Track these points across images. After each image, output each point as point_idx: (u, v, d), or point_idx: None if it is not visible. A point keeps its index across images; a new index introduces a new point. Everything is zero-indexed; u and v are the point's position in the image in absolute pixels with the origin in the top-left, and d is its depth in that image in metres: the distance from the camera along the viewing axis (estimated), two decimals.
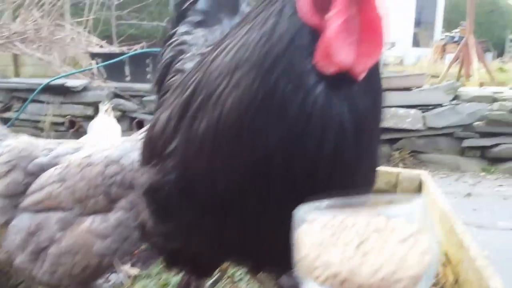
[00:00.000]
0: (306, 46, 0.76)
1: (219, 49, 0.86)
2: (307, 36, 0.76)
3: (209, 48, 0.97)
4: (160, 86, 1.48)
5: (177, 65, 1.40)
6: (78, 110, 5.68)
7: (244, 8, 1.64)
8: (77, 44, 6.42)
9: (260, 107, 0.75)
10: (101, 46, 6.78)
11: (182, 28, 1.54)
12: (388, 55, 13.08)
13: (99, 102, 5.37)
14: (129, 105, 5.50)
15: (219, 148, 0.80)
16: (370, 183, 0.93)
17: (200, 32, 1.48)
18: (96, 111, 4.53)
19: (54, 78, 5.58)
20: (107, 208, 1.59)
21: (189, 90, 0.87)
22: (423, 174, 2.51)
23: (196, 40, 1.45)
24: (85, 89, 5.71)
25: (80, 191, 1.57)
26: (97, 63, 5.78)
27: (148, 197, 0.96)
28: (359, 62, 0.75)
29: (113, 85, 5.63)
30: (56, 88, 5.54)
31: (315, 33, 0.76)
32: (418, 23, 17.45)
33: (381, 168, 2.72)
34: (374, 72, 0.82)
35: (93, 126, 3.59)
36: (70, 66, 6.44)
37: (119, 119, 5.54)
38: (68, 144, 1.77)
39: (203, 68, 0.87)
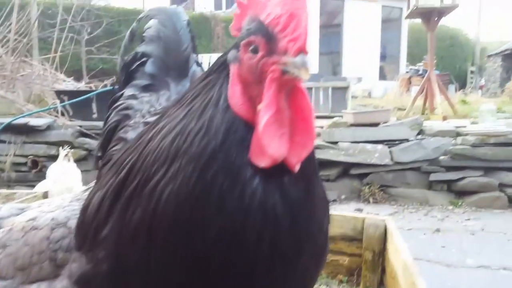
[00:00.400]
0: (241, 140, 0.76)
1: (156, 129, 0.84)
2: (242, 129, 0.77)
3: (151, 119, 0.95)
4: (104, 152, 1.43)
5: (120, 132, 1.36)
6: (41, 149, 5.52)
7: (194, 70, 1.61)
8: (43, 81, 6.27)
9: (197, 202, 0.74)
10: (65, 81, 6.65)
11: (129, 91, 1.50)
12: (356, 89, 13.43)
13: (64, 141, 5.25)
14: (95, 144, 5.37)
15: (153, 242, 0.76)
16: (316, 269, 0.91)
17: (146, 97, 1.44)
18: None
19: (17, 117, 5.42)
20: (53, 274, 1.42)
21: (123, 172, 0.84)
22: (388, 219, 2.49)
23: (141, 106, 1.40)
24: (49, 128, 5.57)
25: (23, 258, 1.43)
26: (63, 101, 5.65)
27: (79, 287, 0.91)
28: (292, 153, 0.76)
29: (78, 123, 5.50)
30: (18, 127, 5.39)
31: (250, 126, 0.77)
32: (383, 57, 18.10)
33: (347, 214, 2.69)
34: (308, 158, 0.81)
35: (52, 172, 3.47)
36: (35, 103, 6.27)
37: (84, 159, 5.40)
38: (12, 205, 1.66)
39: (139, 149, 0.84)
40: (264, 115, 0.74)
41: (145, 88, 1.48)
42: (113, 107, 1.50)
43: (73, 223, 1.57)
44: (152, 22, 1.60)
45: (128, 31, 1.66)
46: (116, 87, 1.62)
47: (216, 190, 0.74)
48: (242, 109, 0.77)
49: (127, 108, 1.42)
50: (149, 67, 1.52)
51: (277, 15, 0.75)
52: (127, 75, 1.55)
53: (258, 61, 0.76)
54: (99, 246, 0.85)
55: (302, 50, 0.72)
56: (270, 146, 0.73)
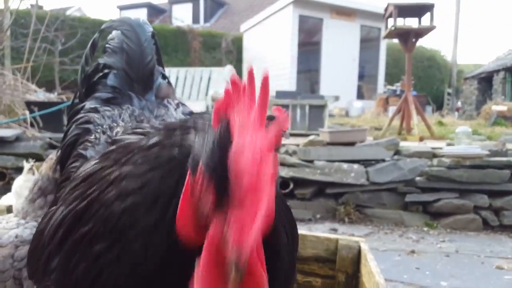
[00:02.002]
0: (180, 273, 0.72)
1: (117, 175, 0.81)
2: (182, 259, 0.71)
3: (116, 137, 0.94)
4: (63, 168, 1.35)
5: (79, 147, 1.27)
6: (9, 161, 5.34)
7: (160, 82, 1.54)
8: (13, 91, 6.08)
9: None
10: (36, 91, 6.47)
11: (90, 104, 1.43)
12: (334, 107, 13.53)
13: (32, 153, 5.06)
14: None
15: None
16: None
17: (108, 111, 1.36)
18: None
19: None
20: None
21: (81, 206, 0.82)
22: (362, 241, 2.45)
23: (103, 121, 1.33)
24: (17, 139, 5.39)
25: None
26: (33, 112, 5.47)
27: None
28: None
29: (48, 135, 5.32)
30: None
31: (192, 256, 0.70)
32: (361, 77, 18.36)
33: (321, 234, 2.63)
34: None
35: (16, 185, 3.31)
36: (4, 114, 6.06)
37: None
38: None
39: (99, 187, 0.82)
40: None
41: (107, 101, 1.42)
42: (73, 120, 1.41)
43: None
44: (115, 33, 1.54)
45: (90, 42, 1.58)
46: (76, 100, 1.53)
47: None
48: (189, 235, 0.69)
49: (88, 122, 1.35)
50: (111, 79, 1.46)
51: (244, 169, 0.62)
52: (89, 87, 1.49)
53: (208, 203, 0.66)
54: (49, 277, 0.84)
55: (241, 247, 0.60)
56: None
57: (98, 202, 0.79)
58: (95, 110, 1.38)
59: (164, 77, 1.59)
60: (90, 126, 1.32)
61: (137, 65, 1.49)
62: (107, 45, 1.54)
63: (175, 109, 1.40)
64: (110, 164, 0.86)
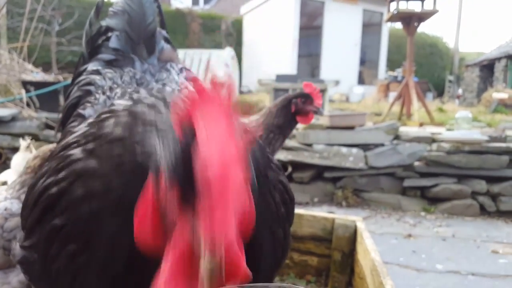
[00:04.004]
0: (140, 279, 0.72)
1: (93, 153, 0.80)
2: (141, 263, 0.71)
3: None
4: (63, 128, 1.37)
5: (79, 108, 1.28)
6: (5, 141, 5.32)
7: (162, 46, 1.57)
8: (9, 71, 6.02)
9: None
10: (33, 71, 6.40)
11: (92, 66, 1.46)
12: (334, 93, 13.46)
13: (29, 133, 5.03)
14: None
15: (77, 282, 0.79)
16: None
17: (110, 73, 1.38)
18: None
19: None
20: (7, 265, 1.52)
21: (56, 189, 0.81)
22: (359, 220, 2.44)
23: (104, 82, 1.35)
24: (14, 119, 5.37)
25: None
26: (29, 92, 5.42)
27: (21, 268, 0.92)
28: None
29: (44, 115, 5.28)
30: None
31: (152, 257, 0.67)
32: (363, 62, 18.20)
33: (318, 213, 2.63)
34: None
35: (15, 162, 3.29)
36: (0, 93, 6.01)
37: None
38: None
39: (62, 184, 0.81)
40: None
41: (109, 63, 1.45)
42: (75, 82, 1.45)
43: None
44: None
45: (94, 7, 1.61)
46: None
47: None
48: (150, 240, 0.67)
49: (89, 83, 1.37)
50: (113, 42, 1.49)
51: (209, 161, 0.59)
52: (92, 49, 1.53)
53: (172, 203, 0.63)
54: (32, 235, 0.86)
55: (213, 240, 0.57)
56: None
57: (68, 196, 0.79)
58: (97, 72, 1.40)
59: (168, 41, 1.61)
60: (91, 88, 1.34)
61: (138, 26, 1.51)
62: (110, 9, 1.57)
63: (178, 74, 1.41)
64: (81, 143, 0.85)
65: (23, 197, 1.68)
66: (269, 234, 0.86)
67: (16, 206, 1.60)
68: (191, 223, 0.61)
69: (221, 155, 0.59)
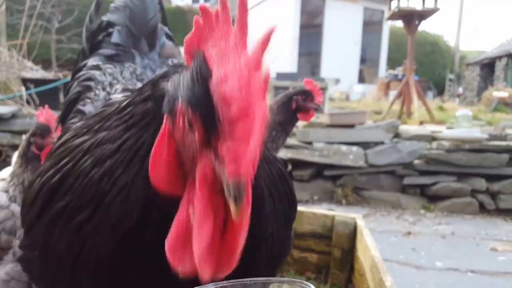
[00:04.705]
0: (160, 221, 0.69)
1: (94, 140, 0.79)
2: (163, 206, 0.69)
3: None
4: (63, 124, 1.37)
5: (79, 104, 1.30)
6: (5, 138, 5.30)
7: (164, 42, 1.57)
8: (9, 68, 6.01)
9: (115, 271, 0.74)
10: (32, 69, 6.40)
11: (92, 61, 1.46)
12: (334, 91, 13.45)
13: (29, 130, 5.02)
14: None
15: (77, 277, 0.78)
16: None
17: (110, 68, 1.39)
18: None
19: None
20: None
21: (58, 176, 0.81)
22: (358, 218, 2.44)
23: (104, 78, 1.35)
24: (14, 116, 5.35)
25: None
26: (29, 89, 5.42)
27: (21, 265, 0.92)
28: (209, 269, 0.64)
29: None
30: None
31: (173, 201, 0.68)
32: (363, 60, 18.17)
33: (318, 211, 2.63)
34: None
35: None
36: (0, 91, 6.01)
37: None
38: None
39: (76, 156, 0.80)
40: (195, 224, 0.63)
41: (110, 58, 1.46)
42: (75, 77, 1.46)
43: (15, 206, 1.61)
44: None
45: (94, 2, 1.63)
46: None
47: (131, 272, 0.72)
48: (166, 184, 0.67)
49: (89, 79, 1.38)
50: (115, 37, 1.49)
51: (231, 96, 0.57)
52: (93, 45, 1.53)
53: (193, 143, 0.62)
54: (32, 231, 0.85)
55: (239, 178, 0.57)
56: (185, 259, 0.64)
57: (73, 175, 0.78)
58: (97, 68, 1.40)
59: (169, 37, 1.61)
60: (91, 84, 1.34)
61: (140, 21, 1.52)
62: (112, 4, 1.58)
63: None
64: (83, 132, 0.85)
65: (12, 189, 1.69)
66: (273, 222, 0.85)
67: (5, 199, 1.61)
68: (213, 161, 0.60)
69: (240, 89, 0.58)
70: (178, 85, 0.63)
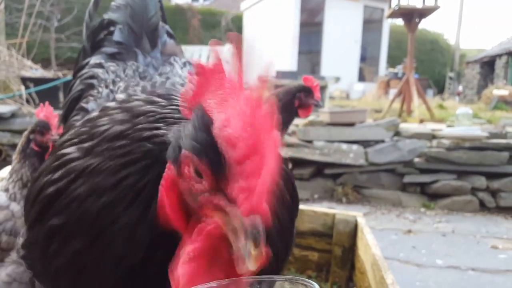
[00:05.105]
0: (165, 258, 0.68)
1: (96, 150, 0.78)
2: (167, 245, 0.69)
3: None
4: (66, 122, 1.36)
5: (82, 101, 1.28)
6: (5, 138, 5.30)
7: (165, 40, 1.57)
8: (8, 67, 6.00)
9: None
10: (32, 68, 6.39)
11: (95, 59, 1.45)
12: (334, 89, 13.44)
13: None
14: None
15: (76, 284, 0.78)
16: None
17: (113, 66, 1.38)
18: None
19: None
20: None
21: (53, 188, 0.80)
22: (359, 216, 2.44)
23: (106, 76, 1.34)
24: (13, 115, 5.35)
25: None
26: (28, 88, 5.41)
27: (25, 263, 0.91)
28: None
29: None
30: None
31: (178, 240, 0.68)
32: (363, 58, 18.15)
33: (318, 209, 2.63)
34: None
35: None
36: None
37: None
38: None
39: (76, 169, 0.79)
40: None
41: (113, 57, 1.45)
42: (77, 75, 1.45)
43: (15, 206, 1.60)
44: None
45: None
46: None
47: None
48: (173, 225, 0.67)
49: (92, 77, 1.37)
50: (117, 35, 1.49)
51: (236, 137, 0.57)
52: (95, 43, 1.53)
53: (200, 191, 0.62)
54: (32, 236, 0.85)
55: (255, 216, 0.56)
56: None
57: (68, 196, 0.77)
58: (99, 66, 1.39)
59: (171, 36, 1.61)
60: (94, 81, 1.33)
61: (141, 19, 1.52)
62: (113, 3, 1.57)
63: (181, 68, 1.40)
64: (73, 141, 0.84)
65: (11, 186, 1.68)
66: (276, 220, 0.85)
67: (4, 199, 1.59)
68: (222, 206, 0.59)
69: (244, 128, 0.58)
70: (180, 135, 0.64)
